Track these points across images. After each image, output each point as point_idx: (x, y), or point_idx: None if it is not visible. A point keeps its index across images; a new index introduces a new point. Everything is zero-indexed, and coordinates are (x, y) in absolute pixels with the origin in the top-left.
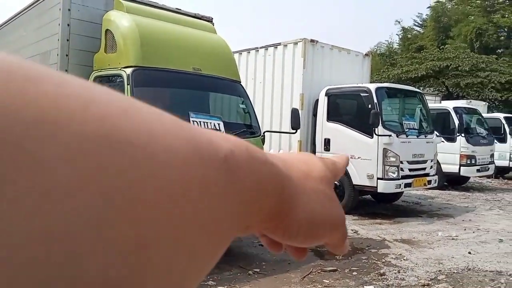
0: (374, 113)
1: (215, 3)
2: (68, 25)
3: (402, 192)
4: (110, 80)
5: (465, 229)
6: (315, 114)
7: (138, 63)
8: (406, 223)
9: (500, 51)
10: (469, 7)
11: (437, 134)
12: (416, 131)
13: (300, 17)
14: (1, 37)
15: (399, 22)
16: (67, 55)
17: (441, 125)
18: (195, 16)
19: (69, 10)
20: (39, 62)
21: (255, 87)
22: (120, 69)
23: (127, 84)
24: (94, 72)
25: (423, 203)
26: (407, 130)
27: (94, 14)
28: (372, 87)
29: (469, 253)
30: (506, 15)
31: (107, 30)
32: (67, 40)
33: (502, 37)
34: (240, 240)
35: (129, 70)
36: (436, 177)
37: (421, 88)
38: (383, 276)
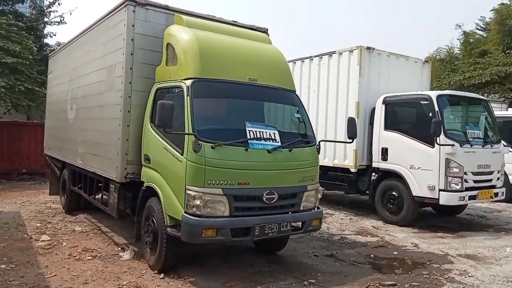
0: (436, 122)
1: (268, 13)
2: (132, 40)
3: (466, 205)
4: (171, 92)
5: None
6: (371, 123)
7: (197, 75)
8: (471, 238)
9: None
10: None
11: (504, 143)
12: (481, 140)
13: (356, 23)
14: (70, 52)
15: (460, 26)
16: (131, 68)
17: (509, 133)
18: (251, 28)
19: (133, 25)
20: (105, 75)
21: (309, 96)
22: (180, 81)
23: (187, 95)
24: (156, 84)
25: (489, 217)
26: (471, 139)
27: (156, 29)
28: (433, 94)
29: None
30: None
31: (168, 44)
32: (131, 54)
33: None
34: (295, 250)
35: (188, 82)
36: (503, 189)
37: (486, 94)
38: None
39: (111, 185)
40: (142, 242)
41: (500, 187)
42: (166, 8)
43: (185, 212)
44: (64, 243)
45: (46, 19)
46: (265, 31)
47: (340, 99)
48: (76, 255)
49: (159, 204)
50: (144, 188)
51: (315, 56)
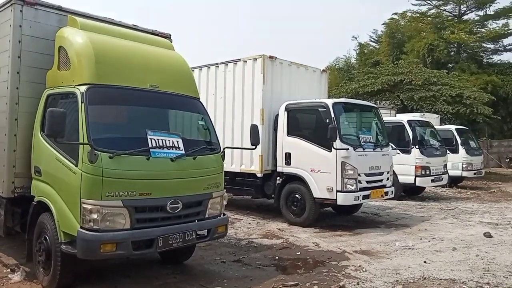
0: (332, 128)
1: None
2: (19, 41)
3: (361, 204)
4: (64, 98)
5: (421, 239)
6: (275, 129)
7: (92, 80)
8: (365, 234)
9: (450, 65)
10: (421, 24)
11: (393, 146)
12: (373, 144)
13: (258, 32)
14: None
15: (356, 38)
16: (18, 73)
17: (397, 137)
18: (152, 33)
19: (20, 26)
20: None
21: (216, 103)
22: (74, 87)
23: (81, 102)
24: (46, 89)
25: (381, 214)
26: (363, 143)
27: (47, 31)
28: (329, 102)
29: (425, 262)
30: (455, 32)
31: (60, 47)
32: (18, 57)
33: (452, 52)
34: (202, 257)
35: (83, 88)
36: (392, 188)
37: (378, 101)
38: None
39: None
40: (34, 261)
41: (390, 187)
42: (59, 8)
43: (81, 227)
44: None
45: None
46: (167, 36)
47: (245, 105)
48: None
49: (52, 219)
50: (34, 203)
51: (220, 63)
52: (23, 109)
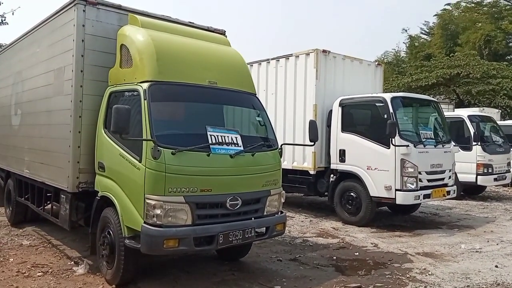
0: (391, 123)
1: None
2: (82, 40)
3: (420, 203)
4: (126, 95)
5: (488, 241)
6: (329, 125)
7: (154, 77)
8: (427, 236)
9: (509, 57)
10: (476, 14)
11: (454, 143)
12: (434, 140)
13: (303, 28)
14: (14, 54)
15: (406, 31)
16: (81, 71)
17: (456, 133)
18: (208, 29)
19: (83, 25)
20: (53, 79)
21: (267, 99)
22: (136, 84)
23: (144, 99)
24: (109, 87)
25: (441, 214)
26: (424, 140)
27: (108, 29)
28: (388, 96)
29: (496, 266)
30: None
31: (122, 45)
32: (82, 55)
33: (511, 43)
34: (258, 255)
35: (145, 85)
36: (455, 188)
37: (432, 96)
38: None
39: (62, 196)
40: (98, 255)
41: (452, 185)
42: (119, 7)
43: (145, 223)
44: (11, 259)
45: None
46: (222, 32)
47: (298, 101)
48: (25, 271)
49: (116, 214)
50: (98, 198)
51: (272, 59)
52: (86, 107)
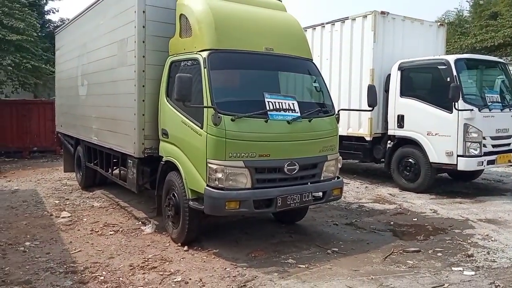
0: (454, 87)
1: None
2: (143, 12)
3: (482, 170)
4: (186, 64)
5: None
6: (386, 90)
7: (213, 46)
8: (489, 202)
9: None
10: None
11: None
12: (500, 104)
13: None
14: (78, 28)
15: None
16: (143, 42)
17: None
18: None
19: None
20: (117, 50)
21: (322, 65)
22: (196, 53)
23: (204, 68)
24: (170, 57)
25: (506, 181)
26: (489, 103)
27: (168, 0)
28: (451, 58)
29: None
30: None
31: (181, 15)
32: (143, 26)
33: None
34: (314, 219)
35: (205, 54)
36: None
37: (499, 57)
38: (471, 258)
39: (129, 161)
40: (164, 216)
41: None
42: None
43: (207, 186)
44: (85, 219)
45: None
46: None
47: (354, 66)
48: (98, 230)
49: (180, 178)
50: (163, 163)
51: (327, 23)
52: (149, 76)
